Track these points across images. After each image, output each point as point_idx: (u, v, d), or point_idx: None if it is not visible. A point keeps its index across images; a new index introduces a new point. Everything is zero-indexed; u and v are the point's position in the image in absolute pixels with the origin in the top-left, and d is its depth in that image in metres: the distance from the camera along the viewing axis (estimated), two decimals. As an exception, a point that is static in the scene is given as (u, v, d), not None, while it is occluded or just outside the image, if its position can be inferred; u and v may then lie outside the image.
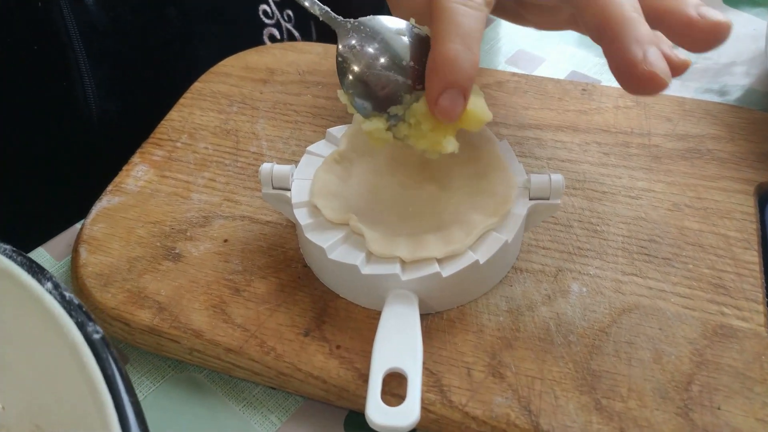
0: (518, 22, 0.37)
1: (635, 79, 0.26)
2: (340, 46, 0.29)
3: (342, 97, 0.30)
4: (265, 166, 0.32)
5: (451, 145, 0.29)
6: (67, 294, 0.22)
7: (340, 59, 0.29)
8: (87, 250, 0.35)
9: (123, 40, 0.45)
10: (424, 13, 0.30)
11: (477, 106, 0.29)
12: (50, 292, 0.22)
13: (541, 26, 0.36)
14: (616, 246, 0.33)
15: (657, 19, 0.28)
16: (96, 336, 0.21)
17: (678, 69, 0.27)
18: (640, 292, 0.31)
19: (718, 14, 0.27)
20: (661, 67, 0.26)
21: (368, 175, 0.34)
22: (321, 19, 0.30)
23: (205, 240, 0.35)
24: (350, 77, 0.29)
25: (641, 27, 0.26)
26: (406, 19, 0.30)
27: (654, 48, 0.26)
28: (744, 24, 0.50)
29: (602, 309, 0.31)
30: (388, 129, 0.29)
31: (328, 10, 0.30)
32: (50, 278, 0.23)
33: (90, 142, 0.46)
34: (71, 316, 0.21)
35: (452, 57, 0.27)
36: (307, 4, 0.30)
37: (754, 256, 0.32)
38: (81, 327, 0.21)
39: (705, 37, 0.27)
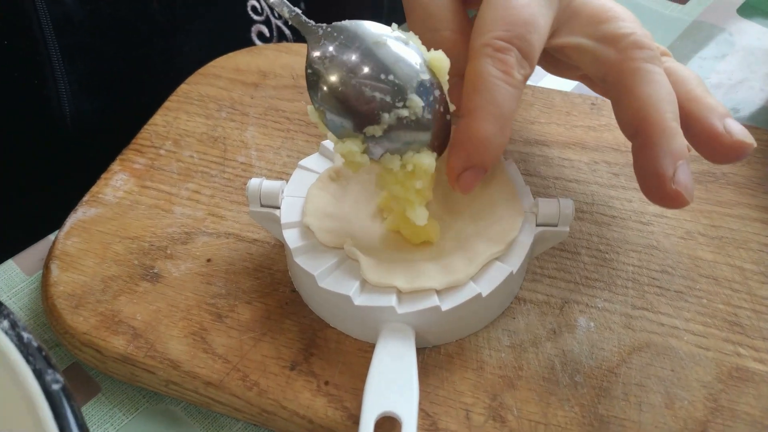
0: None
1: (660, 194, 0.25)
2: (310, 55, 0.26)
3: (312, 114, 0.26)
4: (253, 182, 0.30)
5: (420, 217, 0.28)
6: (25, 335, 0.20)
7: (309, 71, 0.26)
8: (59, 266, 0.32)
9: (101, 34, 0.42)
10: (455, 53, 0.27)
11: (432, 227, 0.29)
12: (6, 333, 0.20)
13: (552, 73, 0.35)
14: (626, 277, 0.31)
15: (682, 120, 0.26)
16: (55, 387, 0.19)
17: None
18: (652, 328, 0.29)
19: (742, 131, 0.26)
20: (687, 186, 0.25)
21: (366, 196, 0.31)
22: (290, 22, 0.27)
23: (186, 259, 0.32)
24: (322, 91, 0.26)
25: (677, 140, 0.25)
26: (426, 42, 0.27)
27: (685, 164, 0.25)
28: (758, 37, 0.48)
29: (611, 347, 0.29)
30: (364, 151, 0.26)
31: (299, 12, 0.26)
32: (7, 315, 0.20)
33: (64, 145, 0.43)
34: (29, 362, 0.19)
35: (484, 139, 0.25)
36: (273, 1, 0.27)
37: (772, 292, 0.30)
38: (39, 376, 0.19)
39: (725, 152, 0.26)
